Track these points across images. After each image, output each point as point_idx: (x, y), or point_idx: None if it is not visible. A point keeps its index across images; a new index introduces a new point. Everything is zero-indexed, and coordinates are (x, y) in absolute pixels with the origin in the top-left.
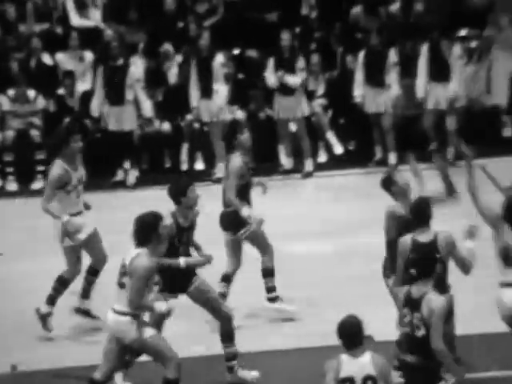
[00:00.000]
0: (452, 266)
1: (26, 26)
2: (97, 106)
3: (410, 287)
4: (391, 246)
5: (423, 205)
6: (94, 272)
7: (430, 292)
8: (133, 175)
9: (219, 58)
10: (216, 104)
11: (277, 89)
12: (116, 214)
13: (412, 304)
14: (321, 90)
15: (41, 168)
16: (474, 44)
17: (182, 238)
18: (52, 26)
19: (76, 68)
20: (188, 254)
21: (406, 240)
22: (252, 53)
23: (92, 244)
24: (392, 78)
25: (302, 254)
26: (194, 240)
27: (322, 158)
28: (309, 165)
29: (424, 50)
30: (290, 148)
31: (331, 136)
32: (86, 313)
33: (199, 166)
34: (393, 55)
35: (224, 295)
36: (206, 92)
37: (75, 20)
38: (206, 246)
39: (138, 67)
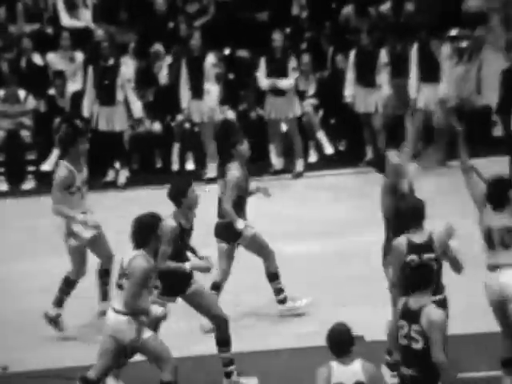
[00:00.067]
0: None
1: (16, 26)
2: (87, 106)
3: (407, 299)
4: (389, 223)
5: (416, 205)
6: (105, 273)
7: (428, 303)
8: (123, 175)
9: (210, 59)
10: (207, 104)
11: (268, 89)
12: (107, 214)
13: (410, 316)
14: (311, 90)
15: (31, 168)
16: (464, 44)
17: (183, 239)
18: (42, 26)
19: (67, 68)
20: (186, 256)
21: (402, 242)
22: (243, 53)
23: (97, 243)
24: (383, 78)
25: (291, 253)
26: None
27: (313, 157)
28: (299, 165)
29: (413, 50)
30: (280, 148)
31: (322, 136)
32: None
33: (190, 166)
34: (383, 55)
35: None
36: (197, 92)
37: (65, 20)
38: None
39: (128, 67)
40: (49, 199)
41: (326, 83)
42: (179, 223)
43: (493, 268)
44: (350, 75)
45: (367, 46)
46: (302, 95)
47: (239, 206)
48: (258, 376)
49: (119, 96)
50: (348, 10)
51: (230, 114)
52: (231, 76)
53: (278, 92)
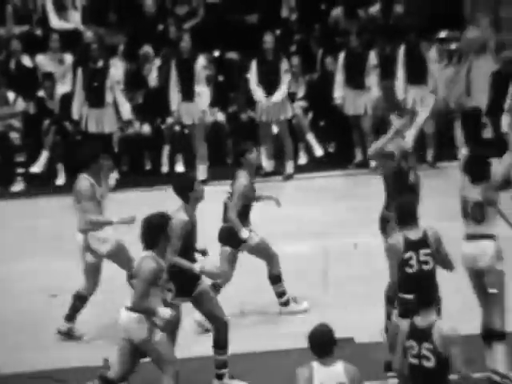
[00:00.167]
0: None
1: (5, 28)
2: (77, 108)
3: (412, 319)
4: (387, 181)
5: (410, 203)
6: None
7: (437, 320)
8: (113, 177)
9: (201, 61)
10: (198, 106)
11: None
12: None
13: (419, 335)
14: (301, 92)
15: (21, 170)
16: (453, 46)
17: (193, 234)
18: (31, 28)
19: (56, 70)
20: (194, 252)
21: (398, 239)
22: (232, 55)
23: (118, 255)
24: (372, 80)
25: (282, 254)
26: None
27: (303, 159)
28: (290, 167)
29: (400, 52)
30: (271, 150)
31: (311, 138)
32: None
33: (180, 168)
34: (373, 57)
35: None
36: (188, 95)
37: (55, 22)
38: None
39: (117, 69)
40: (39, 200)
41: (316, 85)
42: (190, 217)
43: (467, 238)
44: (340, 77)
45: (356, 48)
46: (291, 97)
47: (244, 215)
48: (259, 377)
49: (108, 98)
50: (337, 12)
51: (220, 116)
52: (221, 78)
53: (270, 94)
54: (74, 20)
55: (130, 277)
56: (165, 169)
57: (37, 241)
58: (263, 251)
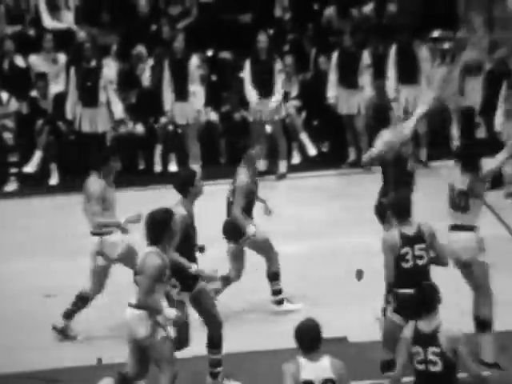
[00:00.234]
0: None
1: None
2: (70, 107)
3: (415, 324)
4: (386, 169)
5: (406, 198)
6: None
7: (441, 323)
8: None
9: (194, 60)
10: (193, 106)
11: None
12: None
13: (424, 340)
14: (294, 92)
15: (14, 170)
16: (447, 45)
17: (192, 228)
18: (24, 28)
19: (49, 70)
20: (194, 247)
21: (394, 234)
22: (225, 54)
23: (129, 258)
24: (365, 79)
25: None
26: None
27: (296, 159)
28: (283, 166)
29: (392, 52)
30: (264, 150)
31: (305, 137)
32: None
33: (173, 167)
34: (366, 57)
35: (217, 292)
36: (181, 94)
37: (47, 22)
38: None
39: (110, 69)
40: (32, 200)
41: (309, 85)
42: (189, 212)
43: (450, 228)
44: (333, 77)
45: (350, 48)
46: (284, 97)
47: (248, 211)
48: (254, 376)
49: (102, 97)
50: (330, 11)
51: (213, 116)
52: (214, 78)
53: (263, 94)
54: (67, 20)
55: (134, 273)
56: (158, 168)
57: (30, 241)
58: (264, 247)
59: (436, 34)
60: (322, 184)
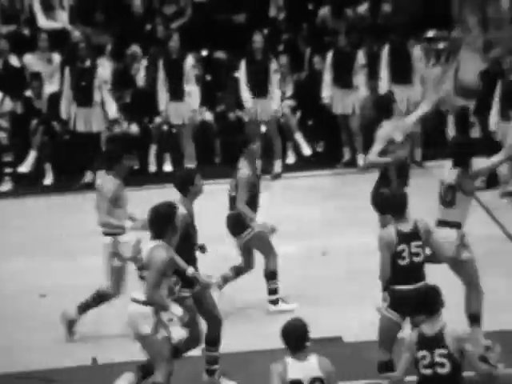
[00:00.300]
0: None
1: None
2: (65, 107)
3: (418, 329)
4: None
5: (403, 195)
6: None
7: (444, 324)
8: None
9: (190, 60)
10: (189, 106)
11: (250, 91)
12: (84, 215)
13: (429, 343)
14: (289, 92)
15: (8, 170)
16: (441, 45)
17: (193, 227)
18: (19, 27)
19: (44, 70)
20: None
21: (390, 232)
22: (220, 54)
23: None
24: (360, 79)
25: None
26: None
27: (291, 159)
28: (278, 166)
29: (384, 52)
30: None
31: (299, 137)
32: None
33: (167, 167)
34: (361, 57)
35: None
36: (176, 94)
37: (42, 21)
38: None
39: (105, 69)
40: (27, 200)
41: (304, 85)
42: (188, 211)
43: (436, 224)
44: (328, 77)
45: (344, 48)
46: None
47: (251, 205)
48: (250, 376)
49: (96, 97)
50: (325, 11)
51: (208, 116)
52: (209, 78)
53: (259, 94)
54: (62, 20)
55: (139, 268)
56: (152, 168)
57: (24, 241)
58: (263, 245)
59: (431, 33)
60: (316, 184)
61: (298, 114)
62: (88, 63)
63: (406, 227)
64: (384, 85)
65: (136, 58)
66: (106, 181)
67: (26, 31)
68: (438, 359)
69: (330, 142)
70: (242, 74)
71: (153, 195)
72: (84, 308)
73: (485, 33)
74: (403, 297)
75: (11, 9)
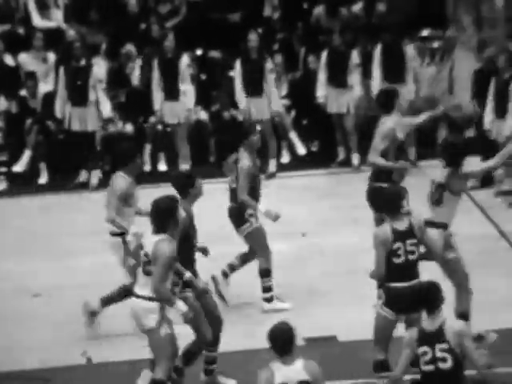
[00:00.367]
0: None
1: None
2: (60, 106)
3: (419, 326)
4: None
5: (395, 194)
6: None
7: (445, 320)
8: (95, 176)
9: (185, 59)
10: (185, 105)
11: (245, 90)
12: (79, 215)
13: (430, 339)
14: (283, 91)
15: (3, 169)
16: (436, 44)
17: (192, 228)
18: (14, 26)
19: (38, 69)
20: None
21: (385, 230)
22: (215, 53)
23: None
24: (354, 78)
25: None
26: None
27: (285, 158)
28: (272, 165)
29: (377, 51)
30: None
31: (294, 136)
32: None
33: (162, 167)
34: (355, 56)
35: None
36: (172, 94)
37: (37, 20)
38: None
39: (100, 68)
40: (22, 199)
41: (298, 84)
42: (188, 213)
43: (423, 224)
44: (322, 76)
45: (339, 47)
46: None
47: (253, 194)
48: (249, 375)
49: (91, 96)
50: (319, 10)
51: (203, 115)
52: (204, 77)
53: (254, 93)
54: (56, 18)
55: (144, 264)
56: (147, 168)
57: (19, 240)
58: (259, 242)
59: (425, 33)
60: (311, 183)
61: (293, 113)
62: (83, 62)
63: (401, 225)
64: (376, 84)
65: (131, 57)
66: (117, 178)
67: (21, 30)
68: (439, 354)
69: (325, 142)
70: (236, 73)
71: (147, 194)
72: (107, 301)
73: (479, 32)
74: (398, 294)
75: (6, 8)
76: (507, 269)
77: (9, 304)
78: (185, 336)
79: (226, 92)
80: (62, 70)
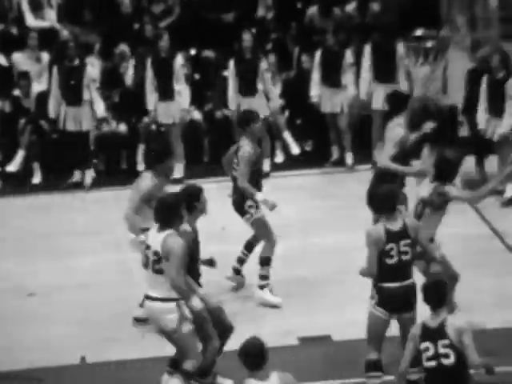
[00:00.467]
0: None
1: None
2: (53, 106)
3: (422, 321)
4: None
5: (389, 193)
6: None
7: (447, 316)
8: (89, 176)
9: (179, 59)
10: (179, 105)
11: (239, 90)
12: (73, 214)
13: (433, 335)
14: (277, 91)
15: None
16: (430, 44)
17: (196, 244)
18: (7, 26)
19: (32, 69)
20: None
21: (379, 229)
22: (208, 53)
23: None
24: (348, 78)
25: (254, 252)
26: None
27: (279, 158)
28: (266, 165)
29: (366, 51)
30: None
31: (288, 136)
32: None
33: None
34: (349, 55)
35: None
36: (166, 94)
37: (30, 20)
38: None
39: (94, 68)
40: (15, 199)
41: (292, 84)
42: (193, 228)
43: None
44: (316, 75)
45: (333, 47)
46: (268, 96)
47: (254, 181)
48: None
49: (86, 96)
50: (313, 10)
51: (197, 115)
52: (197, 76)
53: (247, 93)
54: (50, 18)
55: (153, 263)
56: (140, 167)
57: (13, 240)
58: (262, 228)
59: (419, 32)
60: (305, 183)
61: (287, 112)
62: (77, 62)
63: (395, 226)
64: (364, 84)
65: (124, 57)
66: (144, 178)
67: (14, 30)
68: (441, 350)
69: (319, 141)
70: (230, 73)
71: None
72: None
73: (473, 32)
74: (391, 294)
75: None
76: (502, 268)
77: (9, 304)
78: None
79: (220, 92)
80: (55, 70)
